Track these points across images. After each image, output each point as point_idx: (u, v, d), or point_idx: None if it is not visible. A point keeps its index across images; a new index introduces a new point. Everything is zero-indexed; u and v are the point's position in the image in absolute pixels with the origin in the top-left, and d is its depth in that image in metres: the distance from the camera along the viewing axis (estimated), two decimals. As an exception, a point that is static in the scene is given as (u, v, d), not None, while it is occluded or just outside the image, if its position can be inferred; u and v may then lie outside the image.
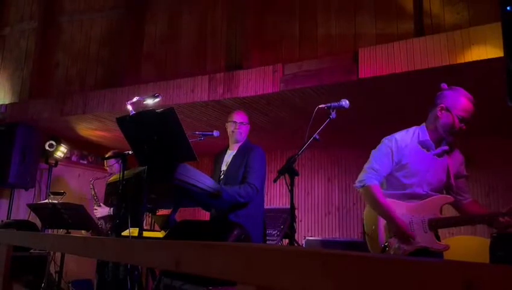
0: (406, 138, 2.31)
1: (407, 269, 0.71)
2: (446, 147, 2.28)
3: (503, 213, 2.09)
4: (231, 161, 3.03)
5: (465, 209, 2.35)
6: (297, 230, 5.51)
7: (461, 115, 2.19)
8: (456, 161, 2.33)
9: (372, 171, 2.29)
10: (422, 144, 2.28)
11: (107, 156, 4.48)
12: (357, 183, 2.34)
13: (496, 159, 4.88)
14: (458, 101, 2.22)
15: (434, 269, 0.68)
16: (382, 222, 2.29)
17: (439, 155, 2.29)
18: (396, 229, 2.19)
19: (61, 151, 5.91)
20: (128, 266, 2.86)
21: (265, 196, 3.20)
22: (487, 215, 2.19)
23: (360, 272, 0.79)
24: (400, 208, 2.24)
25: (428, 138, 2.27)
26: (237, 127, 3.09)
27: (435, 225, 2.20)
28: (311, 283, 0.88)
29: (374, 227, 2.33)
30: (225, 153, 3.15)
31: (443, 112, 2.23)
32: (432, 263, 0.69)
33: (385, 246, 2.25)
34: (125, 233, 3.00)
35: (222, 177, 3.01)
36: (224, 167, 3.06)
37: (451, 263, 0.67)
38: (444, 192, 2.35)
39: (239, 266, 1.02)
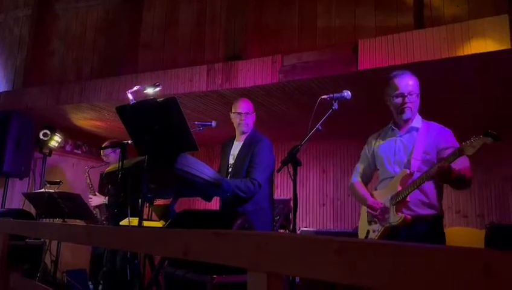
0: (378, 133, 2.58)
1: (426, 256, 0.72)
2: (413, 125, 2.38)
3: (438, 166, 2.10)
4: (238, 153, 2.98)
5: None
6: (293, 220, 5.53)
7: (395, 93, 2.36)
8: (430, 135, 2.33)
9: (354, 172, 2.67)
10: (390, 131, 2.48)
11: (104, 145, 4.46)
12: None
13: (489, 150, 4.92)
14: (388, 85, 2.43)
15: (454, 255, 0.69)
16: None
17: (407, 133, 2.40)
18: (367, 207, 2.40)
19: (56, 140, 5.85)
20: (128, 255, 2.85)
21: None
22: (426, 173, 2.17)
23: (376, 259, 0.80)
24: (378, 197, 2.40)
25: (391, 125, 2.48)
26: (243, 118, 3.01)
27: (394, 200, 2.26)
28: (323, 270, 0.89)
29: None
30: (232, 145, 3.10)
31: (387, 101, 2.45)
32: (452, 249, 0.70)
33: (367, 232, 2.40)
34: (124, 223, 2.99)
35: (230, 170, 2.97)
36: (231, 160, 3.01)
37: (470, 249, 0.68)
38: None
39: (250, 254, 1.03)
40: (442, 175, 2.06)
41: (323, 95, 2.40)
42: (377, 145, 2.51)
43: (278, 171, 2.15)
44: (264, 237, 1.02)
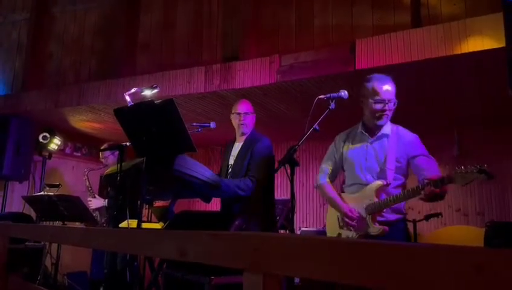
0: (347, 133, 2.52)
1: (418, 255, 0.72)
2: (383, 132, 2.35)
3: (424, 186, 2.07)
4: (238, 154, 2.98)
5: None
6: (291, 221, 5.52)
7: (376, 98, 2.30)
8: (400, 142, 2.32)
9: (320, 172, 2.59)
10: (360, 135, 2.43)
11: (102, 147, 4.46)
12: (315, 184, 2.62)
13: (487, 149, 4.92)
14: (365, 87, 2.36)
15: (446, 254, 0.69)
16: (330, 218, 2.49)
17: (378, 140, 2.36)
18: (341, 213, 2.34)
19: (55, 143, 5.84)
20: (128, 257, 2.86)
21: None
22: (409, 191, 2.15)
23: (369, 258, 0.80)
24: (349, 201, 2.37)
25: (361, 129, 2.42)
26: (242, 118, 3.03)
27: (369, 210, 2.25)
28: (318, 270, 0.89)
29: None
30: (232, 146, 3.11)
31: (362, 102, 2.39)
32: (444, 248, 0.70)
33: (339, 235, 2.36)
34: (123, 225, 3.00)
35: (230, 171, 2.98)
36: (231, 161, 3.02)
37: (463, 248, 0.68)
38: (402, 176, 2.34)
39: (247, 255, 1.03)
40: (432, 199, 2.09)
41: (320, 95, 2.41)
42: (346, 149, 2.47)
43: (275, 171, 2.16)
44: (261, 237, 1.02)
